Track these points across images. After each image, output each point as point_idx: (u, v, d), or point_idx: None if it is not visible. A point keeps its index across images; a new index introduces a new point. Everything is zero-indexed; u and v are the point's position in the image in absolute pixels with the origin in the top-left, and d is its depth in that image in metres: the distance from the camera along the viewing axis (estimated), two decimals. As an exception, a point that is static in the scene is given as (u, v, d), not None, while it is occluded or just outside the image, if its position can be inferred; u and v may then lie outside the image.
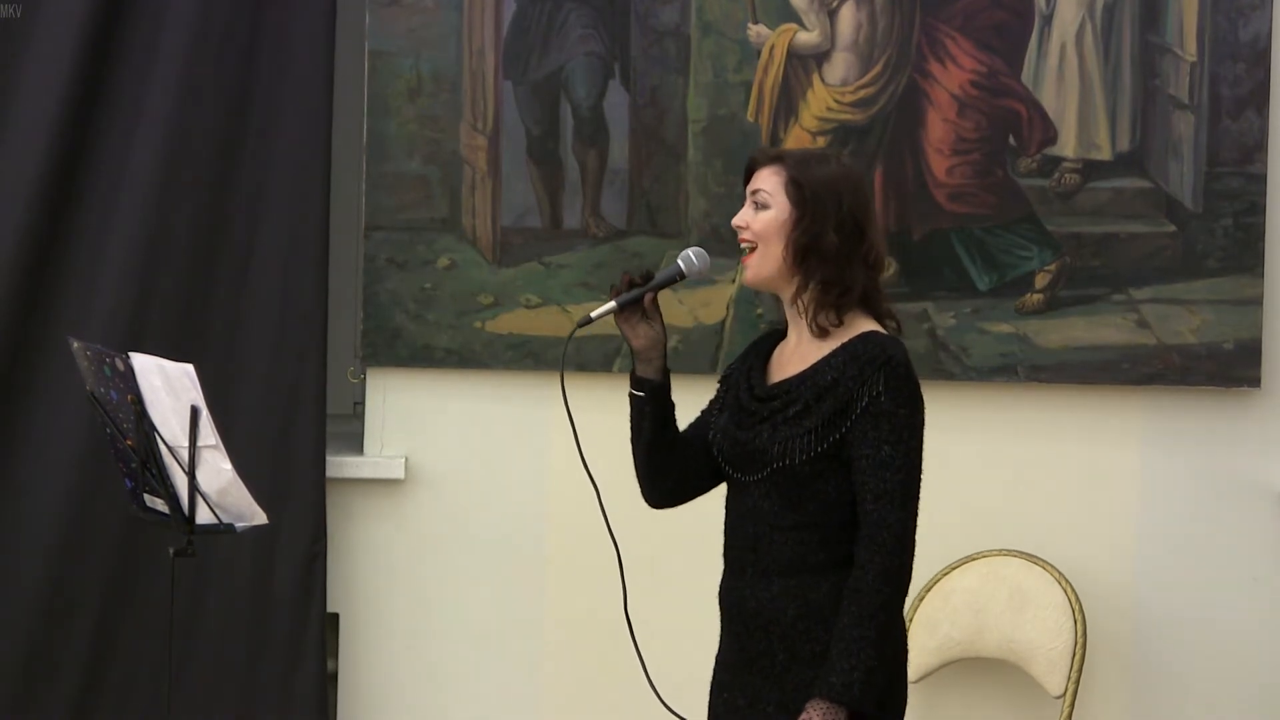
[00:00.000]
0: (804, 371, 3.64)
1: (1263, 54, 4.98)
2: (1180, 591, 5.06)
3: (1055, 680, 4.87)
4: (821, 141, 5.01)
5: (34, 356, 5.00)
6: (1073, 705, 4.85)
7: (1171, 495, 5.05)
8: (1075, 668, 4.86)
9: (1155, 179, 5.01)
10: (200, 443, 4.05)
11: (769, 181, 3.67)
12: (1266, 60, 4.98)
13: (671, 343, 4.89)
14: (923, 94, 5.02)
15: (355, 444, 5.22)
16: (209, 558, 4.82)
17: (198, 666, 5.05)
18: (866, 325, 3.65)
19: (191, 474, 4.07)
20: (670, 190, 5.06)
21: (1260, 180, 4.99)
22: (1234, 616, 5.05)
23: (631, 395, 3.75)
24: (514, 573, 5.12)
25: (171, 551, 4.11)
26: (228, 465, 4.07)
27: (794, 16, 5.03)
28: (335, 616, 5.13)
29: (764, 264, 3.67)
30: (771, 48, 5.04)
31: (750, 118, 5.04)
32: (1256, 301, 4.99)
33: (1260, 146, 4.98)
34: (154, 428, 4.09)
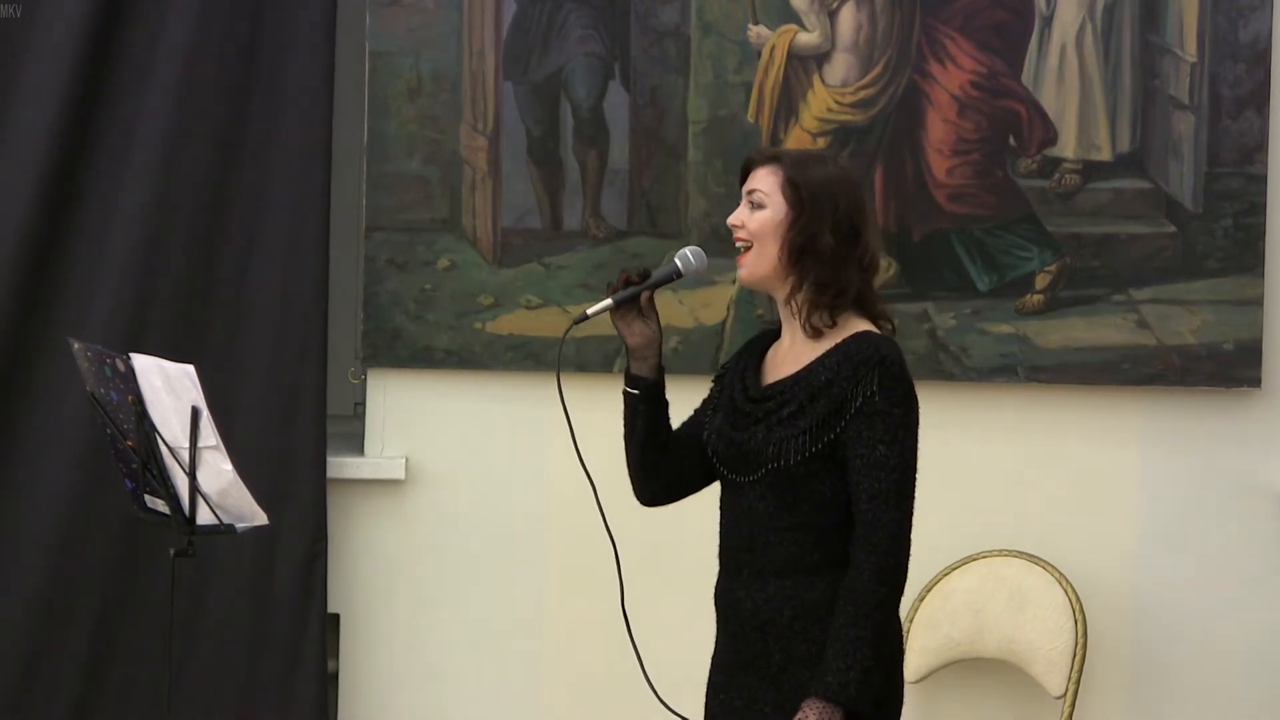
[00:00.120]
0: (798, 372, 3.64)
1: (1263, 54, 4.98)
2: (1180, 591, 5.06)
3: (1055, 680, 4.87)
4: (822, 142, 5.01)
5: (34, 356, 5.00)
6: (1073, 705, 4.85)
7: (1171, 495, 5.05)
8: (1075, 668, 4.86)
9: (1155, 179, 5.01)
10: (201, 443, 4.05)
11: (765, 181, 3.68)
12: (1266, 60, 4.98)
13: (672, 343, 4.92)
14: (923, 95, 5.02)
15: (355, 444, 5.23)
16: (209, 558, 4.82)
17: (198, 666, 5.05)
18: (860, 326, 3.65)
19: (192, 474, 4.07)
20: (670, 191, 5.06)
21: (1260, 180, 4.99)
22: (1234, 616, 5.05)
23: (625, 393, 3.75)
24: (514, 573, 5.12)
25: (172, 552, 4.11)
26: (228, 466, 4.07)
27: (794, 17, 5.03)
28: (335, 616, 5.13)
29: (759, 263, 3.67)
30: (772, 48, 5.04)
31: (750, 118, 5.04)
32: (1256, 302, 4.99)
33: (1260, 147, 4.98)
34: (154, 428, 4.09)
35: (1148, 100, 5.00)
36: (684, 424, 3.82)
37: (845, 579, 3.55)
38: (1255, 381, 5.00)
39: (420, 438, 5.13)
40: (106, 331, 4.91)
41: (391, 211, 5.08)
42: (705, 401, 3.82)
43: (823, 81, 5.04)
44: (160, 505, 4.18)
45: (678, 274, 3.74)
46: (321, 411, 5.06)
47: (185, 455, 4.06)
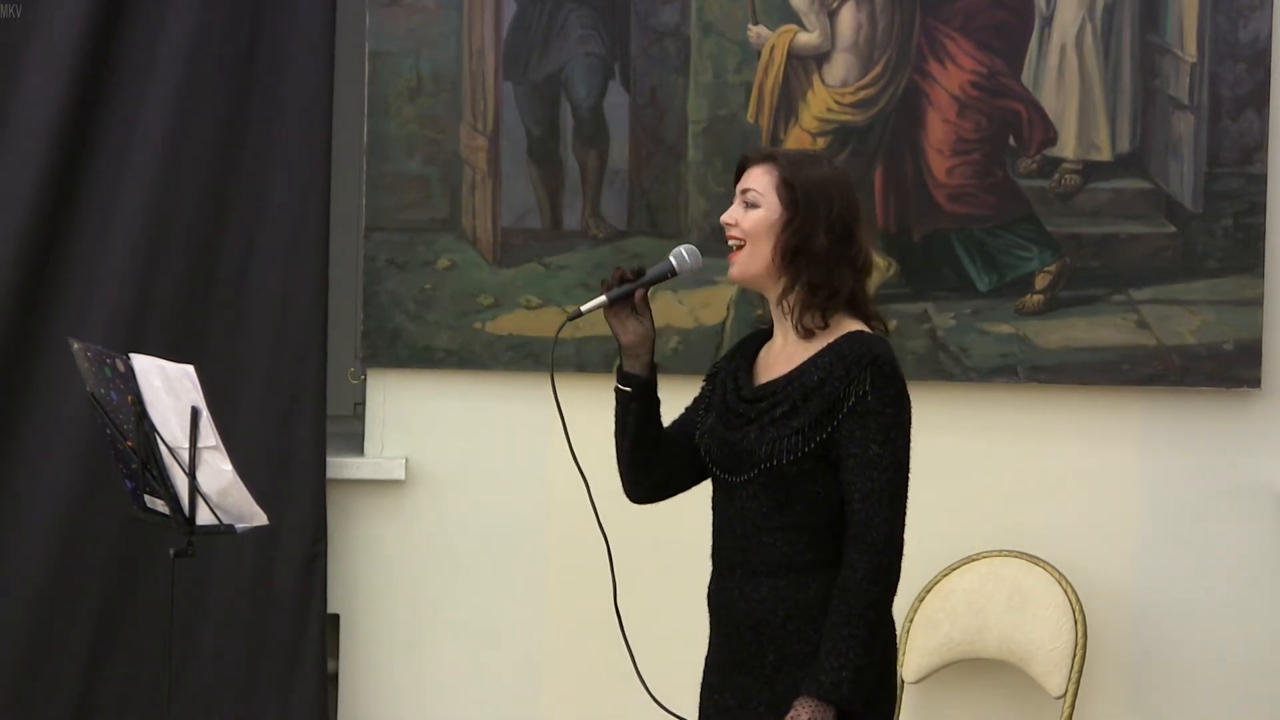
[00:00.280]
0: (790, 372, 3.64)
1: (1263, 54, 4.98)
2: (1180, 591, 5.06)
3: (1055, 681, 4.87)
4: (822, 143, 5.01)
5: (34, 356, 5.01)
6: (1073, 706, 4.85)
7: (1171, 495, 5.05)
8: (1075, 668, 4.86)
9: (1155, 179, 5.01)
10: (200, 443, 4.05)
11: (760, 181, 3.67)
12: (1266, 60, 4.98)
13: (671, 343, 4.92)
14: (923, 95, 5.02)
15: (355, 445, 5.23)
16: (209, 558, 4.83)
17: (198, 666, 5.05)
18: (853, 326, 3.65)
19: (192, 475, 4.07)
20: (670, 190, 5.06)
21: (1260, 180, 4.99)
22: (1234, 616, 5.05)
23: (617, 390, 3.74)
24: (514, 573, 5.12)
25: (172, 552, 4.11)
26: (228, 466, 4.07)
27: (794, 17, 5.03)
28: (335, 617, 5.13)
29: (751, 262, 3.66)
30: (771, 48, 5.04)
31: (750, 119, 5.04)
32: (1256, 302, 4.99)
33: (1260, 147, 4.98)
34: (154, 428, 4.09)
35: (1148, 100, 5.00)
36: (675, 422, 3.81)
37: (839, 578, 3.54)
38: (1255, 382, 5.00)
39: (420, 438, 5.13)
40: (106, 331, 4.92)
41: (391, 211, 5.08)
42: (696, 400, 3.82)
43: (822, 81, 5.04)
44: (160, 505, 4.18)
45: (672, 272, 3.74)
46: (321, 411, 5.06)
47: (185, 455, 4.06)
